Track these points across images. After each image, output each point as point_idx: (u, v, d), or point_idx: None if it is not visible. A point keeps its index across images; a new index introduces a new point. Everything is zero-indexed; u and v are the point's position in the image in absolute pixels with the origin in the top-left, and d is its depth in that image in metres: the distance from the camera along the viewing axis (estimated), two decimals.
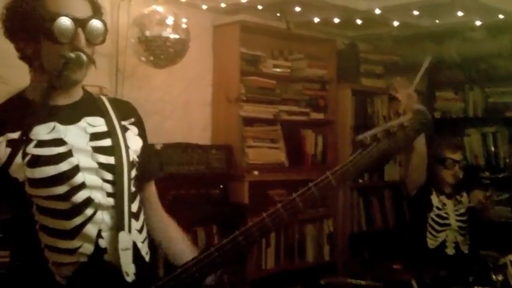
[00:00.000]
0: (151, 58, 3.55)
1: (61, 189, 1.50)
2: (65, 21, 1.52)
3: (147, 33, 3.49)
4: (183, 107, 4.23)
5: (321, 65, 4.77)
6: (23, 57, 1.62)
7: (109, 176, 1.58)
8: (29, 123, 1.48)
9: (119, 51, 3.80)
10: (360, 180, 4.94)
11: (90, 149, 1.58)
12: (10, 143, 1.49)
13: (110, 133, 1.64)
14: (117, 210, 1.56)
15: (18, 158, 1.48)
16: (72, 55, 1.53)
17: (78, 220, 1.50)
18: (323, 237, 4.74)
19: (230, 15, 4.25)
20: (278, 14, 4.32)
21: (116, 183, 1.58)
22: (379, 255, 4.65)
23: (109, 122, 1.67)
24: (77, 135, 1.58)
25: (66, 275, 1.49)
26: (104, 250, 1.53)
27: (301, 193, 1.72)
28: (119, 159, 1.61)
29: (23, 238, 1.52)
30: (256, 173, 4.25)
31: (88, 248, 1.50)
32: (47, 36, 1.52)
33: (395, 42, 5.37)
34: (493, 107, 4.93)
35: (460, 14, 4.16)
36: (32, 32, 1.54)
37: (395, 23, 4.46)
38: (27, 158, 1.49)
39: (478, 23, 4.27)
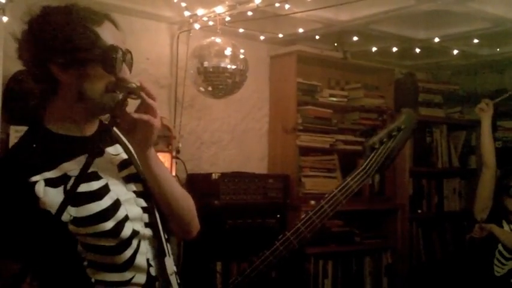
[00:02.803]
0: (210, 89, 3.61)
1: (108, 225, 1.44)
2: (119, 52, 1.50)
3: (206, 64, 3.56)
4: (240, 137, 4.28)
5: (378, 95, 4.74)
6: (46, 83, 1.49)
7: (144, 204, 1.54)
8: (63, 159, 1.44)
9: (178, 82, 3.89)
10: (419, 211, 4.84)
11: (121, 179, 1.54)
12: (49, 182, 1.42)
13: (131, 159, 1.59)
14: (157, 237, 1.55)
15: (60, 197, 1.40)
16: (134, 85, 1.51)
17: (128, 253, 1.47)
18: (381, 269, 4.64)
19: (287, 46, 4.29)
20: (335, 44, 4.33)
21: (150, 210, 1.55)
22: (440, 287, 4.52)
23: (125, 148, 1.62)
24: (107, 167, 1.52)
25: None
26: (156, 278, 1.53)
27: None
28: (145, 185, 1.57)
29: (71, 277, 1.45)
30: (313, 202, 4.22)
31: (141, 278, 1.49)
32: (101, 65, 1.46)
33: (455, 72, 5.29)
34: None
35: None
36: (79, 58, 1.44)
37: (455, 52, 4.40)
38: (59, 197, 1.40)
39: None
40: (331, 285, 4.31)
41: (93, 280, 1.44)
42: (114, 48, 1.48)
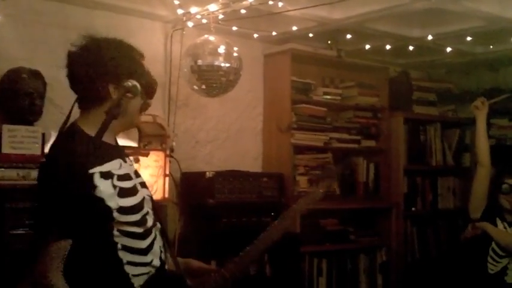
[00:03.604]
0: (204, 87, 3.60)
1: (137, 217, 1.80)
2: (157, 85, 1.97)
3: (200, 62, 3.55)
4: (235, 136, 4.27)
5: (373, 93, 4.74)
6: (95, 97, 1.82)
7: (151, 206, 1.91)
8: (108, 159, 1.78)
9: (172, 81, 3.88)
10: (413, 209, 4.85)
11: (139, 184, 1.89)
12: (102, 175, 1.74)
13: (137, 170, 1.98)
14: (163, 230, 1.94)
15: (111, 189, 1.74)
16: (130, 84, 1.76)
17: (149, 240, 1.82)
18: (376, 267, 4.65)
19: (281, 44, 4.29)
20: (329, 42, 4.32)
21: (154, 211, 1.92)
22: (434, 284, 4.53)
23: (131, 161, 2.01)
24: (131, 172, 1.88)
25: (140, 284, 1.78)
26: (164, 262, 1.88)
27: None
28: (150, 191, 1.98)
29: (106, 258, 1.74)
30: None
31: (157, 262, 1.83)
32: (145, 92, 1.86)
33: (449, 70, 5.30)
34: None
35: None
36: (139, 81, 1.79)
37: (449, 50, 4.40)
38: (117, 190, 1.75)
39: None
40: (326, 284, 4.32)
41: (124, 261, 1.75)
42: (155, 82, 1.95)
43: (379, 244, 4.68)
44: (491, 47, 4.43)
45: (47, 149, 3.23)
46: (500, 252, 3.31)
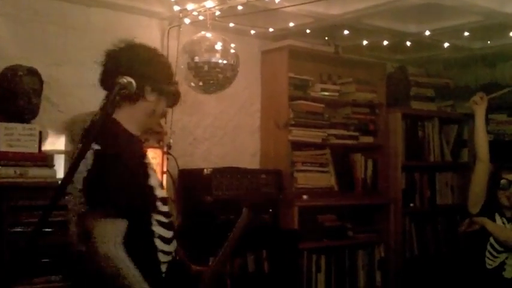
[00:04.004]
0: (201, 84, 3.59)
1: (167, 208, 2.02)
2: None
3: (197, 59, 3.54)
4: (232, 133, 4.27)
5: (370, 89, 4.73)
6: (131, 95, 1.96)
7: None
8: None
9: None
10: (411, 205, 4.85)
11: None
12: (151, 165, 2.01)
13: None
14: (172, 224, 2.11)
15: (156, 179, 1.99)
16: (125, 80, 1.80)
17: (172, 231, 2.03)
18: (374, 264, 4.65)
19: (278, 41, 4.28)
20: (326, 38, 4.32)
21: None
22: (433, 281, 4.53)
23: None
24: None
25: (163, 271, 1.97)
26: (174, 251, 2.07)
27: None
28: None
29: (144, 245, 1.93)
30: (305, 197, 4.22)
31: (173, 250, 2.04)
32: (172, 98, 2.13)
33: (447, 65, 5.29)
34: None
35: (511, 34, 4.08)
36: (168, 89, 2.09)
37: (446, 45, 4.40)
38: (158, 182, 2.00)
39: None
40: (324, 280, 4.32)
41: (158, 249, 1.96)
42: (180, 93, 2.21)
43: (378, 240, 4.68)
44: (488, 42, 4.43)
45: (44, 147, 3.23)
46: (498, 248, 3.31)
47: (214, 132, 4.19)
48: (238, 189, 3.87)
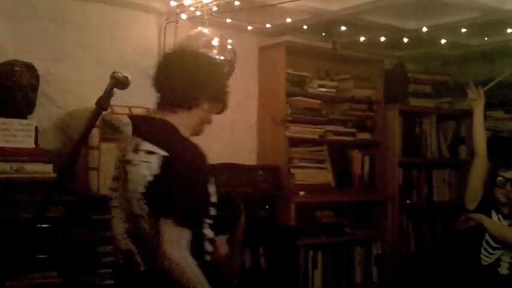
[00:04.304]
0: None
1: (214, 212, 2.02)
2: None
3: None
4: (229, 129, 4.26)
5: (368, 85, 4.73)
6: (187, 105, 2.06)
7: None
8: None
9: None
10: (408, 202, 4.85)
11: None
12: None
13: None
14: None
15: (213, 187, 2.01)
16: (120, 75, 1.85)
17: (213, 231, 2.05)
18: (371, 260, 4.66)
19: (275, 37, 4.27)
20: (323, 34, 4.31)
21: None
22: (429, 277, 4.54)
23: None
24: None
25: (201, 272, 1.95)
26: None
27: None
28: None
29: (196, 247, 1.94)
30: (302, 193, 4.22)
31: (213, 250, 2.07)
32: (222, 106, 2.18)
33: (445, 62, 5.29)
34: None
35: (509, 31, 4.07)
36: (222, 98, 2.17)
37: (444, 42, 4.39)
38: (214, 188, 2.02)
39: None
40: (321, 276, 4.32)
41: (207, 250, 2.01)
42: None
43: (375, 237, 4.68)
44: (486, 38, 4.42)
45: (40, 143, 3.22)
46: (494, 244, 3.31)
47: (211, 128, 4.14)
48: (236, 185, 3.87)
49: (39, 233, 2.80)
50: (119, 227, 2.05)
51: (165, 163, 1.90)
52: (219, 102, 2.16)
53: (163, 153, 1.91)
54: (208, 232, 2.01)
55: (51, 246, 3.04)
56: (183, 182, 1.90)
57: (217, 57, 3.52)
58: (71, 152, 1.57)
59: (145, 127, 2.06)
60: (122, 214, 2.04)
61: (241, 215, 2.37)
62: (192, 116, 2.08)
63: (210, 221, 2.02)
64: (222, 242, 2.20)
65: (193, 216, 1.94)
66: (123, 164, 2.02)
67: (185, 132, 2.04)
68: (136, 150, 1.97)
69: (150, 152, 1.93)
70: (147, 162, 1.91)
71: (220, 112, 2.19)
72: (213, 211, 2.02)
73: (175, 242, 1.86)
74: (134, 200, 1.96)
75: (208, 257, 2.01)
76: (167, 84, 2.05)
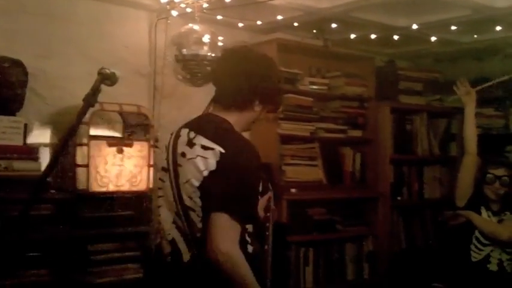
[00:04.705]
0: (189, 77, 3.58)
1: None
2: None
3: (184, 51, 3.52)
4: None
5: (359, 83, 4.73)
6: (241, 105, 2.13)
7: None
8: None
9: (157, 71, 3.85)
10: (399, 198, 4.86)
11: None
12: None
13: None
14: None
15: (261, 185, 2.08)
16: (108, 71, 1.80)
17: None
18: (362, 256, 4.66)
19: (267, 34, 4.26)
20: (314, 31, 4.30)
21: None
22: (420, 273, 4.55)
23: None
24: None
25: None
26: None
27: None
28: None
29: (242, 242, 1.99)
30: (294, 190, 4.22)
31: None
32: (275, 108, 2.28)
33: (435, 60, 5.30)
34: None
35: (498, 28, 4.08)
36: (273, 101, 2.22)
37: (434, 39, 4.40)
38: (261, 186, 2.09)
39: None
40: (312, 273, 4.33)
41: (249, 241, 2.04)
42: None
43: (366, 233, 4.69)
44: (476, 36, 4.43)
45: (29, 140, 3.21)
46: (484, 241, 3.33)
47: None
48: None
49: (28, 231, 2.79)
50: (166, 216, 2.09)
51: (222, 159, 1.95)
52: (272, 103, 2.22)
53: (221, 149, 1.96)
54: (249, 227, 2.05)
55: (40, 244, 3.02)
56: (239, 179, 1.95)
57: (208, 54, 3.51)
58: (57, 149, 1.56)
59: (198, 121, 2.14)
60: (170, 204, 2.07)
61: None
62: (245, 116, 2.14)
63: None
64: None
65: (247, 212, 1.99)
66: (175, 155, 2.06)
67: (237, 129, 2.11)
68: (190, 143, 2.01)
69: (207, 147, 1.97)
70: (204, 157, 1.96)
71: (272, 111, 2.32)
72: (258, 207, 2.09)
73: (229, 236, 1.91)
74: (186, 192, 2.00)
75: (250, 249, 2.04)
76: (223, 83, 2.14)
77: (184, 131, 2.08)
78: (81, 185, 3.20)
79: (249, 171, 1.98)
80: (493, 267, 3.32)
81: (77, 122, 1.63)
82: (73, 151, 3.18)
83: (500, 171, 3.38)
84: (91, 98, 1.63)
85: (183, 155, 2.02)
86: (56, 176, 3.12)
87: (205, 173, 1.95)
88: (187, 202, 2.00)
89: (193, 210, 1.99)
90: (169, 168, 2.07)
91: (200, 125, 2.09)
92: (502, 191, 3.36)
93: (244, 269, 1.93)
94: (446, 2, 3.63)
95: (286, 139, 4.30)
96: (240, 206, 1.95)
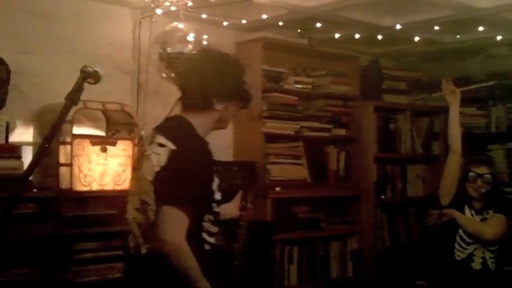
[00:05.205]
0: (173, 75, 3.56)
1: (218, 209, 2.17)
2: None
3: (169, 50, 3.50)
4: None
5: (344, 82, 4.75)
6: (202, 106, 2.19)
7: None
8: None
9: (141, 69, 3.83)
10: (383, 196, 4.88)
11: None
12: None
13: None
14: None
15: (216, 184, 2.16)
16: (90, 69, 1.81)
17: (218, 227, 2.18)
18: (346, 255, 4.68)
19: (252, 32, 4.26)
20: (299, 31, 4.31)
21: None
22: (404, 271, 4.58)
23: None
24: None
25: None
26: None
27: None
28: None
29: (195, 237, 2.08)
30: (278, 189, 4.22)
31: (215, 241, 2.19)
32: (240, 103, 2.26)
33: (419, 59, 5.34)
34: None
35: (481, 29, 4.12)
36: (234, 98, 2.23)
37: (417, 39, 4.43)
38: (217, 186, 2.15)
39: (499, 38, 4.23)
40: (297, 271, 4.34)
41: (206, 240, 2.14)
42: (251, 95, 2.31)
43: (350, 232, 4.71)
44: (458, 36, 4.47)
45: (11, 138, 3.18)
46: (467, 239, 3.35)
47: None
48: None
49: (11, 230, 2.77)
50: (131, 213, 2.19)
51: (172, 155, 2.05)
52: (235, 100, 2.24)
53: (172, 146, 2.06)
54: (207, 225, 2.14)
55: (23, 243, 2.99)
56: (187, 174, 2.03)
57: (192, 52, 3.50)
58: (40, 148, 1.55)
59: (164, 123, 2.25)
60: (135, 201, 2.16)
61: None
62: (207, 116, 2.21)
63: (211, 217, 2.15)
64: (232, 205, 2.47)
65: (193, 206, 2.04)
66: (141, 154, 2.21)
67: (202, 130, 2.19)
68: (151, 142, 2.13)
69: (162, 145, 2.08)
70: (157, 153, 2.07)
71: (242, 108, 2.29)
72: (216, 208, 2.16)
73: (175, 229, 2.00)
74: (143, 187, 2.10)
75: (207, 247, 2.14)
76: (183, 85, 2.24)
77: (151, 132, 2.21)
78: (64, 184, 3.18)
79: (197, 168, 2.06)
80: (476, 265, 3.35)
81: (59, 121, 1.61)
82: (56, 150, 3.16)
83: (482, 169, 3.41)
84: (74, 96, 1.61)
85: (144, 153, 2.16)
86: (39, 175, 3.10)
87: (157, 168, 2.05)
88: (144, 197, 2.10)
89: (149, 205, 2.08)
90: (138, 166, 2.22)
91: (163, 126, 2.21)
92: (483, 189, 3.39)
93: (189, 262, 2.01)
94: (429, 2, 3.66)
95: (270, 138, 4.30)
96: (187, 200, 2.02)
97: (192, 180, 2.04)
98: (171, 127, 2.18)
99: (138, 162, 2.21)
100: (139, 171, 2.16)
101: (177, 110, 2.31)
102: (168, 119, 2.28)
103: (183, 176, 2.03)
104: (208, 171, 2.13)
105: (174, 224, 2.00)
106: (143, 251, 2.12)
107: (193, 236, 2.07)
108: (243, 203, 2.51)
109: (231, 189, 3.86)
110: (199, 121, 2.19)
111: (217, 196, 2.17)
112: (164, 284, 2.07)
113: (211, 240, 2.17)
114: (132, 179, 2.28)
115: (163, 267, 2.03)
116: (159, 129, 2.18)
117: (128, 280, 2.26)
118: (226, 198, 2.43)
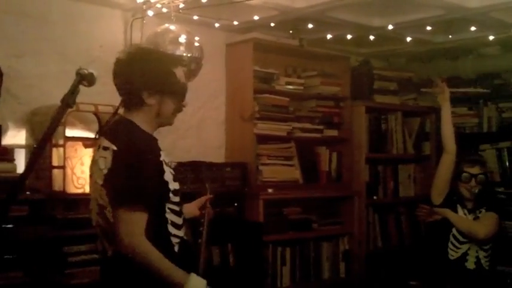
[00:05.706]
0: None
1: (178, 198, 2.18)
2: (187, 88, 2.27)
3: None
4: (197, 126, 4.24)
5: (335, 82, 4.76)
6: (134, 102, 2.17)
7: None
8: (160, 150, 2.16)
9: None
10: (375, 197, 4.90)
11: None
12: (165, 162, 2.15)
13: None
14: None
15: (170, 174, 2.14)
16: (85, 71, 1.86)
17: (182, 217, 2.22)
18: (339, 255, 4.70)
19: (243, 33, 4.27)
20: (291, 32, 4.32)
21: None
22: (396, 272, 4.60)
23: None
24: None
25: (176, 250, 2.15)
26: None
27: None
28: None
29: (159, 230, 2.11)
30: (270, 190, 4.23)
31: (183, 234, 2.21)
32: (175, 96, 2.21)
33: (410, 59, 5.36)
34: (508, 122, 4.87)
35: (473, 29, 4.14)
36: (163, 90, 2.17)
37: (409, 39, 4.45)
38: (171, 176, 2.15)
39: (491, 37, 4.26)
40: (289, 272, 4.34)
41: (172, 233, 2.15)
42: (185, 86, 2.26)
43: (342, 232, 4.72)
44: (450, 36, 4.49)
45: (4, 141, 3.16)
46: (461, 238, 3.37)
47: (179, 125, 4.14)
48: (204, 182, 3.84)
49: (3, 232, 2.75)
50: (94, 218, 2.19)
51: (115, 156, 2.05)
52: (167, 94, 2.20)
53: (114, 147, 2.06)
54: (171, 216, 2.15)
55: (15, 246, 2.98)
56: (129, 172, 2.03)
57: (184, 54, 3.50)
58: (35, 150, 1.54)
59: (108, 126, 2.24)
60: (94, 206, 2.17)
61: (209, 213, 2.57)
62: (146, 112, 2.18)
63: (173, 207, 2.16)
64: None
65: (147, 200, 2.04)
66: (92, 160, 2.22)
67: (147, 127, 2.19)
68: (98, 147, 2.15)
69: (106, 148, 2.09)
70: (103, 157, 2.08)
71: (179, 103, 2.24)
72: (174, 197, 2.15)
73: (130, 230, 2.00)
74: (97, 192, 2.12)
75: (176, 239, 2.16)
76: (116, 85, 2.21)
77: (100, 138, 2.20)
78: (57, 186, 3.17)
79: (138, 165, 2.04)
80: (470, 265, 3.37)
81: (55, 124, 1.61)
82: (49, 152, 3.15)
83: (475, 170, 3.43)
84: (69, 99, 1.61)
85: (93, 158, 2.19)
86: (31, 177, 3.08)
87: (105, 171, 2.07)
88: (100, 201, 2.11)
89: (105, 208, 2.10)
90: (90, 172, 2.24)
91: (106, 129, 2.22)
92: (476, 189, 3.41)
93: (155, 256, 2.02)
94: (420, 3, 3.68)
95: (262, 139, 4.31)
96: (138, 197, 2.03)
97: (138, 176, 2.03)
98: (113, 129, 2.17)
99: (91, 168, 2.22)
100: (92, 177, 2.18)
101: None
102: (113, 123, 2.25)
103: (130, 174, 2.03)
104: (154, 164, 2.10)
105: (130, 224, 2.01)
106: (109, 254, 2.13)
107: (159, 230, 2.10)
108: (205, 203, 2.59)
109: (222, 190, 3.93)
110: (140, 119, 2.18)
111: (174, 186, 2.16)
112: (135, 284, 2.08)
113: (179, 233, 2.18)
114: (89, 185, 2.27)
115: (130, 268, 2.04)
116: (103, 133, 2.19)
117: (102, 284, 2.25)
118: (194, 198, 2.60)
